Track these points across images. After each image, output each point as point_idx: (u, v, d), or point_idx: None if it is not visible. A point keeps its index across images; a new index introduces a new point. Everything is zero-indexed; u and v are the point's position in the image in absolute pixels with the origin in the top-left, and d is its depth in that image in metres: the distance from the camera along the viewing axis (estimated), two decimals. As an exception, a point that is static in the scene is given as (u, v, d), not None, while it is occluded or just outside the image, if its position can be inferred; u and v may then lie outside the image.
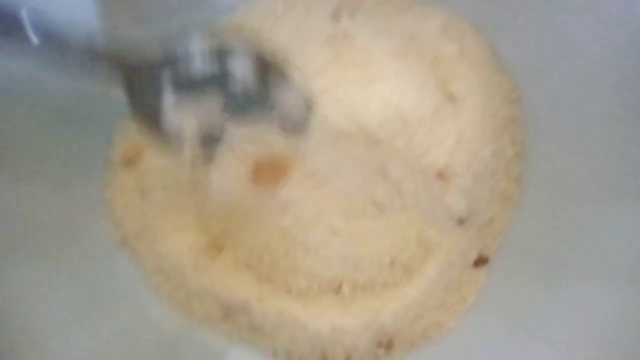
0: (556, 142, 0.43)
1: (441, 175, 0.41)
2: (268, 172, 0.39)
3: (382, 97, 0.42)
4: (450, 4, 0.46)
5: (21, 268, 0.38)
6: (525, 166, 0.44)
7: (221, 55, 0.35)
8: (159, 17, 0.43)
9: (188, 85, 0.35)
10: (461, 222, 0.41)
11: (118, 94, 0.35)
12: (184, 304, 0.42)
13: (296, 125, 0.38)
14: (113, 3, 0.43)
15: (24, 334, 0.36)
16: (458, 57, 0.44)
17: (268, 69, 0.36)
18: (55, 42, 0.32)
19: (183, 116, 0.36)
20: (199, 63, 0.35)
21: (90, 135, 0.43)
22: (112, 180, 0.44)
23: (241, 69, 0.36)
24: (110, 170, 0.45)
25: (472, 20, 0.45)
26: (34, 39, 0.32)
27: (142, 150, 0.44)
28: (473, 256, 0.42)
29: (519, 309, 0.39)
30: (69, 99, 0.40)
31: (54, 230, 0.40)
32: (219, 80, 0.35)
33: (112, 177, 0.44)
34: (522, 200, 0.43)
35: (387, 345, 0.40)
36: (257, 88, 0.36)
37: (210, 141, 0.37)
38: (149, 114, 0.35)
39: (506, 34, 0.45)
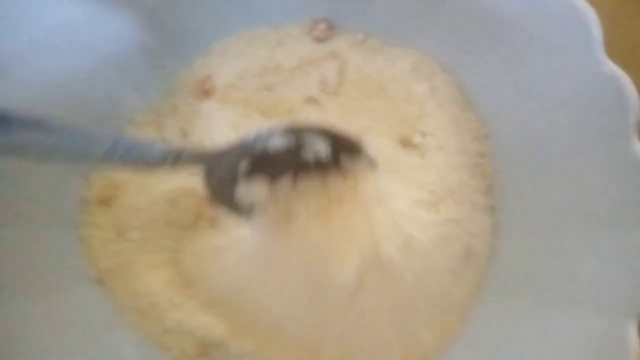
0: (524, 175, 0.44)
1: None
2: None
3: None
4: (419, 46, 0.47)
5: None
6: (496, 199, 0.45)
7: (295, 132, 0.36)
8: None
9: (262, 158, 0.36)
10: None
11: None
12: (160, 342, 0.42)
13: None
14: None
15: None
16: (429, 95, 0.46)
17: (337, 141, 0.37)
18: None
19: (256, 190, 0.37)
20: (277, 141, 0.36)
21: (67, 174, 0.43)
22: (87, 219, 0.44)
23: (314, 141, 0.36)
24: (86, 208, 0.44)
25: (441, 61, 0.47)
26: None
27: (118, 189, 0.44)
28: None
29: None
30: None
31: (29, 268, 0.40)
32: (292, 153, 0.36)
33: (87, 216, 0.44)
34: (497, 231, 0.44)
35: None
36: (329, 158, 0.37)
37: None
38: (223, 191, 0.37)
39: (473, 73, 0.46)
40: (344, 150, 0.37)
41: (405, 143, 0.44)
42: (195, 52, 0.48)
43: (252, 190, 0.36)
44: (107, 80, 0.44)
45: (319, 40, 0.47)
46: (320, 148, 0.36)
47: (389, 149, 0.44)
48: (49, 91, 0.41)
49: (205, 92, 0.47)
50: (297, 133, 0.36)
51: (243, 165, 0.36)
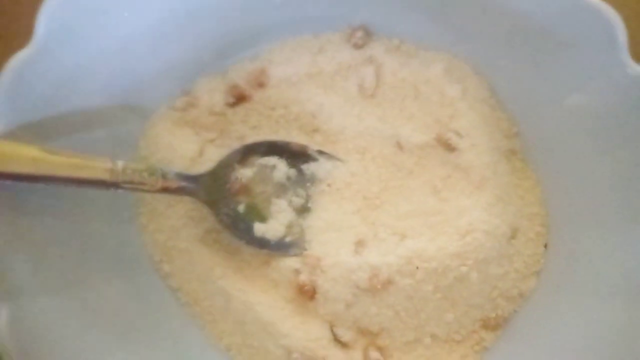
0: (554, 171, 0.47)
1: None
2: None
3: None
4: (452, 50, 0.50)
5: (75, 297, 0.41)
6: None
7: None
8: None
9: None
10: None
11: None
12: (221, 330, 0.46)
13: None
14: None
15: (69, 357, 0.39)
16: (461, 97, 0.48)
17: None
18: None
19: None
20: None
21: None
22: (144, 209, 0.48)
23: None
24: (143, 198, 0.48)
25: (473, 63, 0.49)
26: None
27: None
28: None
29: None
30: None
31: (94, 255, 0.44)
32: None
33: (144, 205, 0.48)
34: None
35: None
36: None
37: None
38: (228, 222, 0.45)
39: (503, 75, 0.48)
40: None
41: (440, 141, 0.46)
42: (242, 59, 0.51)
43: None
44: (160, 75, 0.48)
45: (357, 46, 0.50)
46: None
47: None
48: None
49: (260, 84, 0.50)
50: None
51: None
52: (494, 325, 0.45)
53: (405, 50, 0.50)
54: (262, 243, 0.45)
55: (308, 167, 0.48)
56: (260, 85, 0.50)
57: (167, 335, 0.45)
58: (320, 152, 0.48)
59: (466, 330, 0.45)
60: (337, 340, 0.44)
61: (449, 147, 0.46)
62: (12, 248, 0.38)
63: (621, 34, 0.39)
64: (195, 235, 0.46)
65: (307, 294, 0.44)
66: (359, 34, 0.50)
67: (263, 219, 0.46)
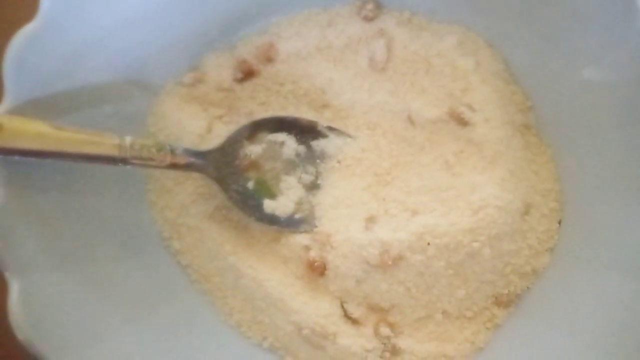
0: (568, 146, 0.46)
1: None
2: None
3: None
4: (464, 22, 0.49)
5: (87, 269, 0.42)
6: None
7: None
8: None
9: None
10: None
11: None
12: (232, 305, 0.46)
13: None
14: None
15: (80, 332, 0.39)
16: (474, 70, 0.47)
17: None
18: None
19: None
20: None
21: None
22: (154, 185, 0.48)
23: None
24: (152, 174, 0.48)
25: (486, 36, 0.48)
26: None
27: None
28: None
29: None
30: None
31: (106, 232, 0.44)
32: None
33: (154, 182, 0.48)
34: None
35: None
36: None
37: None
38: (237, 199, 0.45)
39: (517, 48, 0.47)
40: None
41: (453, 115, 0.46)
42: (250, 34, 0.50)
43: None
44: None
45: (368, 19, 0.49)
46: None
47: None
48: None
49: (268, 59, 0.49)
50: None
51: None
52: (506, 302, 0.45)
53: (416, 23, 0.49)
54: (271, 220, 0.45)
55: (318, 144, 0.47)
56: (269, 60, 0.49)
57: (177, 311, 0.45)
58: (330, 128, 0.47)
59: (478, 306, 0.45)
60: (347, 316, 0.44)
61: (462, 122, 0.45)
62: (23, 224, 0.38)
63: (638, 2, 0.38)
64: (204, 212, 0.46)
65: (317, 270, 0.44)
66: (370, 6, 0.49)
67: (273, 195, 0.46)
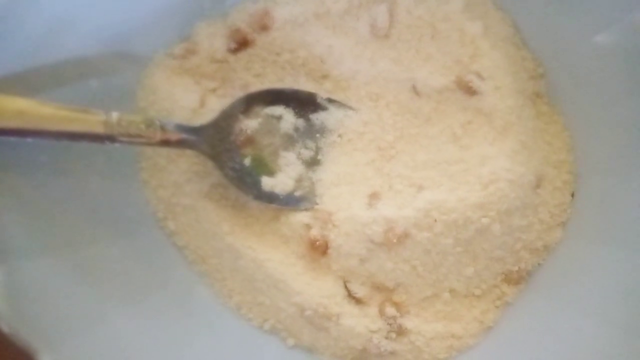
0: (581, 115, 0.44)
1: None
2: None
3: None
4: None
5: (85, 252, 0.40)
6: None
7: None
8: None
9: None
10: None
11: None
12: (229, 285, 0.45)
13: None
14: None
15: (71, 320, 0.38)
16: (482, 35, 0.45)
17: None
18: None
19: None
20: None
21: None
22: (146, 164, 0.46)
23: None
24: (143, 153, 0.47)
25: (495, -2, 0.46)
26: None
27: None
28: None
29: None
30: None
31: (100, 215, 0.43)
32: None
33: (146, 161, 0.46)
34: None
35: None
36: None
37: None
38: (234, 177, 0.44)
39: (527, 11, 0.45)
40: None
41: (460, 84, 0.44)
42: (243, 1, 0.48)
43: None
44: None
45: (368, -18, 0.47)
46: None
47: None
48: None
49: (263, 27, 0.47)
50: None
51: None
52: (516, 279, 0.43)
53: (421, -15, 0.47)
54: (270, 198, 0.44)
55: (317, 117, 0.46)
56: (264, 28, 0.47)
57: (174, 295, 0.44)
58: (330, 100, 0.46)
59: (487, 284, 0.43)
60: (351, 296, 0.43)
61: (470, 91, 0.43)
62: (4, 208, 0.36)
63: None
64: (200, 190, 0.45)
65: (319, 249, 0.42)
66: (370, -32, 0.46)
67: (271, 172, 0.44)
